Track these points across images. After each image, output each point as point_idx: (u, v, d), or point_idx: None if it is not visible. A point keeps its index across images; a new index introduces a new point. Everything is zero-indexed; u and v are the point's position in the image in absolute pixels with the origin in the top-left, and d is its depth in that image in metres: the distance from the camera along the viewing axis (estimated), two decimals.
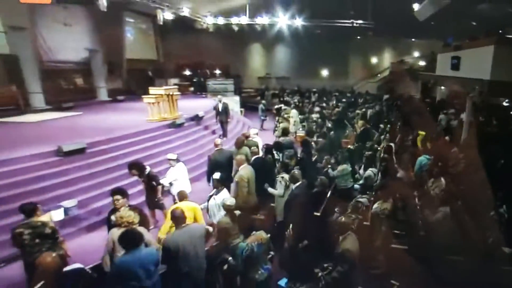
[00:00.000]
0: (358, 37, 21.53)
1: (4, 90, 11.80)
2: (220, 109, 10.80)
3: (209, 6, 18.82)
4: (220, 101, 10.96)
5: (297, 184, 5.04)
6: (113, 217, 3.98)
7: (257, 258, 3.67)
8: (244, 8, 18.94)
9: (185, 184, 5.91)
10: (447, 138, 7.72)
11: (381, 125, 9.79)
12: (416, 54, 21.74)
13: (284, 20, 19.82)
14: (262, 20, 19.85)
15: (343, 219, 3.89)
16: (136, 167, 5.51)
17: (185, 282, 3.68)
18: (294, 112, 11.56)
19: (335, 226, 3.90)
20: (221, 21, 19.98)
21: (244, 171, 5.51)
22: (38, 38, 13.94)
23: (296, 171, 5.17)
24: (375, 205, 5.06)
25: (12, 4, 12.30)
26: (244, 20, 19.68)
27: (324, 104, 13.85)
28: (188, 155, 8.94)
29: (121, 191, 4.38)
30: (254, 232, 3.87)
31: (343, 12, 18.03)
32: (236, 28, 20.21)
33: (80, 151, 7.18)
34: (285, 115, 11.72)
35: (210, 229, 4.26)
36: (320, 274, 3.49)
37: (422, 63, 19.47)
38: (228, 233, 4.24)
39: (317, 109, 11.83)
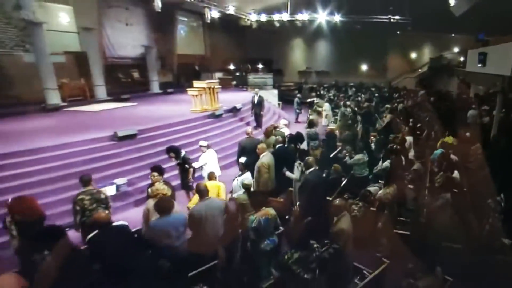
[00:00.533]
0: (398, 32, 20.79)
1: (75, 83, 13.28)
2: (255, 102, 11.12)
3: (253, 4, 19.31)
4: (256, 94, 11.28)
5: (311, 169, 5.41)
6: (149, 190, 4.67)
7: (263, 230, 4.11)
8: (285, 5, 19.12)
9: (215, 168, 6.44)
10: (467, 134, 7.56)
11: (411, 119, 9.67)
12: (456, 49, 20.58)
13: (323, 16, 19.76)
14: (303, 16, 19.92)
15: (337, 201, 4.20)
16: (173, 150, 6.13)
17: (205, 246, 4.24)
18: (326, 106, 11.70)
19: (330, 208, 4.22)
20: (263, 18, 20.35)
21: (265, 158, 5.96)
22: (104, 37, 15.34)
23: (310, 158, 5.53)
24: (380, 191, 5.28)
25: (85, 8, 13.67)
26: (285, 16, 19.86)
27: (359, 98, 13.75)
28: (223, 143, 9.56)
29: (157, 168, 5.04)
30: (263, 208, 4.30)
31: (382, 7, 17.61)
32: (277, 24, 20.42)
33: (132, 136, 8.06)
34: (318, 108, 11.89)
35: (230, 204, 4.77)
36: (315, 245, 3.84)
37: (462, 58, 18.44)
38: (245, 208, 4.75)
39: (348, 103, 11.85)
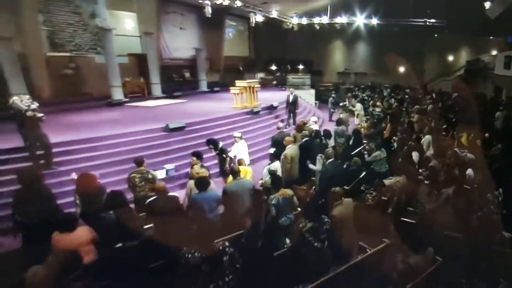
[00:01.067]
0: (435, 35, 20.06)
1: (136, 82, 14.65)
2: (290, 101, 11.46)
3: (295, 8, 19.65)
4: (291, 93, 11.61)
5: (330, 160, 5.91)
6: (190, 171, 5.48)
7: (281, 208, 4.69)
8: (325, 8, 19.32)
9: (244, 156, 7.08)
10: (486, 135, 7.54)
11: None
12: (494, 52, 19.36)
13: (361, 19, 19.74)
14: (341, 19, 20.02)
15: (336, 189, 4.66)
16: (211, 142, 6.86)
17: (235, 218, 4.95)
18: (358, 106, 11.91)
19: (330, 195, 4.69)
20: (304, 21, 20.63)
21: (289, 150, 6.48)
22: (161, 40, 16.55)
23: (329, 150, 6.03)
24: (391, 180, 5.61)
25: (147, 14, 14.99)
26: (325, 19, 20.05)
27: (392, 100, 13.68)
28: (259, 138, 10.17)
29: (196, 154, 5.83)
30: (282, 189, 4.93)
31: (419, 10, 17.21)
32: (317, 27, 20.63)
33: (181, 128, 8.98)
34: (351, 108, 12.12)
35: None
36: (326, 219, 4.35)
37: None
38: (269, 191, 5.40)
39: (378, 103, 11.94)
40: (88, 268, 3.34)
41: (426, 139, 7.40)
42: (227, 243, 3.51)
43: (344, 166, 6.52)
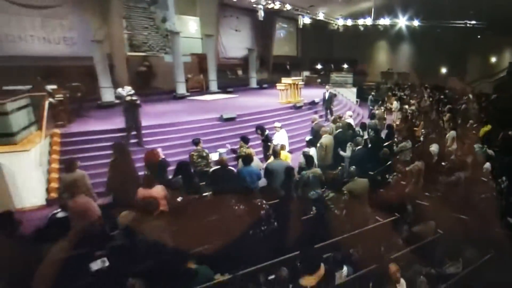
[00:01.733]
0: (478, 36, 19.12)
1: (196, 78, 16.12)
2: (326, 97, 11.97)
3: (340, 10, 19.94)
4: (327, 91, 12.05)
5: (359, 147, 6.71)
6: (238, 150, 6.61)
7: (311, 183, 5.50)
8: (369, 11, 19.33)
9: (284, 143, 7.96)
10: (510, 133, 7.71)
11: (471, 121, 9.77)
12: None
13: (403, 21, 19.57)
14: (384, 21, 19.95)
15: (352, 168, 5.46)
16: (260, 128, 7.78)
17: (273, 190, 5.94)
18: (395, 104, 12.25)
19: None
20: (349, 22, 20.81)
21: (324, 139, 7.18)
22: (219, 41, 17.89)
23: (359, 138, 6.79)
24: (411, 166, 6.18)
25: (208, 18, 16.38)
26: (368, 21, 20.10)
27: (430, 99, 13.64)
28: (300, 130, 10.99)
29: (243, 138, 6.89)
30: (312, 167, 5.83)
31: (461, 12, 16.64)
32: (362, 28, 20.71)
33: (232, 119, 10.14)
34: (389, 106, 12.47)
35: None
36: (345, 192, 5.19)
37: None
38: (303, 169, 6.30)
39: (412, 101, 12.17)
40: None
41: (451, 134, 7.76)
42: (264, 201, 4.58)
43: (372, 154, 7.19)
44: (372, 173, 6.53)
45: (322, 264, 2.82)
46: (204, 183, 5.85)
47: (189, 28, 16.96)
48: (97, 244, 3.86)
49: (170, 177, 5.80)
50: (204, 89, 16.02)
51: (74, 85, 9.78)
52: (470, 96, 12.50)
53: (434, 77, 20.37)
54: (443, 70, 21.62)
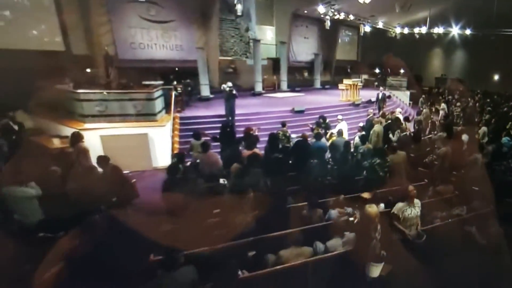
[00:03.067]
0: None
1: (270, 78, 17.50)
2: (379, 98, 12.42)
3: (398, 19, 19.61)
4: (381, 91, 12.51)
5: (404, 133, 7.56)
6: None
7: (366, 155, 6.52)
8: (425, 20, 18.88)
9: (345, 132, 8.89)
10: None
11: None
12: None
13: (456, 30, 18.81)
14: (438, 30, 19.28)
15: (392, 144, 6.35)
16: (322, 117, 8.89)
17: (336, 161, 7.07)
18: (443, 105, 12.30)
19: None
20: (406, 30, 20.35)
21: (376, 127, 8.15)
22: (290, 47, 19.03)
23: (403, 127, 7.65)
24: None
25: (282, 27, 17.65)
26: (424, 29, 19.51)
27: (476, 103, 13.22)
28: (356, 124, 11.71)
29: (317, 123, 8.14)
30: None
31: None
32: (417, 36, 20.20)
33: (302, 111, 11.40)
34: (437, 107, 12.53)
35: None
36: (388, 158, 6.13)
37: None
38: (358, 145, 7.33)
39: (458, 104, 12.08)
40: None
41: (482, 129, 8.04)
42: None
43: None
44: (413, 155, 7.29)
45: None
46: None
47: (267, 36, 18.37)
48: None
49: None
50: (276, 88, 17.39)
51: (186, 82, 11.88)
52: None
53: (486, 84, 19.06)
54: (496, 77, 20.00)
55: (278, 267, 3.53)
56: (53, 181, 4.81)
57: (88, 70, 11.23)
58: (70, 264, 3.23)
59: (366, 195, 5.01)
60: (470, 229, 4.53)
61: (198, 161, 6.14)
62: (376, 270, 3.57)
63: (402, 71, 19.40)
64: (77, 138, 5.99)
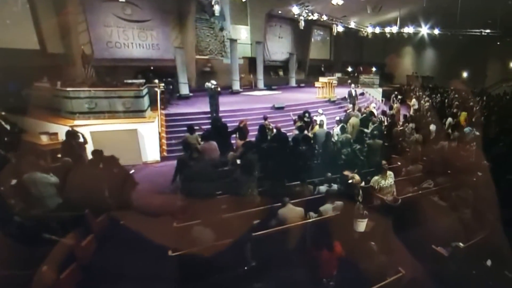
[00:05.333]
0: (498, 43, 19.91)
1: (247, 77, 18.46)
2: (352, 94, 13.48)
3: (369, 19, 21.47)
4: (352, 89, 13.66)
5: (375, 125, 8.88)
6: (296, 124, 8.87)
7: (344, 143, 7.71)
8: (395, 20, 20.77)
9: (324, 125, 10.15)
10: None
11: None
12: None
13: (425, 30, 20.96)
14: (408, 29, 21.30)
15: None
16: (307, 112, 9.84)
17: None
18: (414, 101, 14.00)
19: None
20: (377, 30, 22.20)
21: (352, 120, 9.39)
22: (265, 47, 20.11)
23: (375, 119, 9.07)
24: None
25: (257, 27, 18.61)
26: (394, 29, 21.47)
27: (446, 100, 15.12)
28: (333, 119, 12.99)
29: (299, 116, 9.17)
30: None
31: (479, 21, 17.79)
32: (388, 36, 22.11)
33: (282, 108, 12.40)
34: (408, 102, 14.20)
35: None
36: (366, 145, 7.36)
37: None
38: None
39: (427, 99, 13.88)
40: None
41: (448, 120, 9.55)
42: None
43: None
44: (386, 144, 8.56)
45: None
46: None
47: (241, 35, 19.27)
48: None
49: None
50: (253, 87, 18.33)
51: (168, 80, 12.47)
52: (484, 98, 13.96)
53: (456, 81, 21.36)
54: (464, 74, 22.43)
55: (281, 227, 4.43)
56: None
57: (65, 69, 11.43)
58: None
59: (347, 172, 6.00)
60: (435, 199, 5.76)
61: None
62: (361, 225, 4.58)
63: (373, 69, 21.14)
64: (73, 136, 6.47)
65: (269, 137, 8.35)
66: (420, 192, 5.89)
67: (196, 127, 8.39)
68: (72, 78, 10.77)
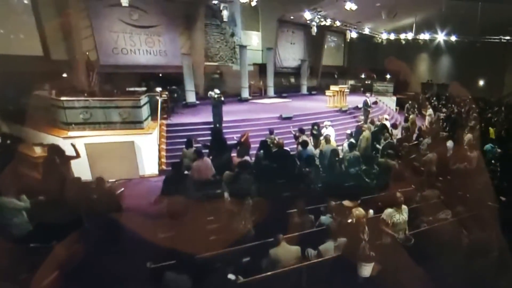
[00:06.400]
0: None
1: (257, 84, 17.85)
2: (368, 104, 12.63)
3: (384, 25, 20.62)
4: (368, 98, 12.88)
5: (387, 141, 8.10)
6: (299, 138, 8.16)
7: (352, 162, 6.97)
8: (411, 26, 19.86)
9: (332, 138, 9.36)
10: None
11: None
12: None
13: (441, 36, 19.98)
14: (424, 36, 20.33)
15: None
16: (316, 125, 9.17)
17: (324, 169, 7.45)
18: (430, 111, 13.05)
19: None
20: (392, 36, 21.36)
21: (365, 133, 8.61)
22: (276, 53, 19.42)
23: (387, 134, 8.31)
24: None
25: (268, 33, 18.04)
26: (410, 36, 20.54)
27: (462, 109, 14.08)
28: (343, 130, 12.15)
29: (300, 129, 8.51)
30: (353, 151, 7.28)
31: (498, 28, 16.64)
32: (403, 42, 21.19)
33: (290, 118, 11.72)
34: (423, 112, 13.25)
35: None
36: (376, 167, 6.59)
37: None
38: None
39: (444, 109, 12.86)
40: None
41: (468, 137, 8.64)
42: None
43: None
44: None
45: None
46: None
47: (253, 41, 18.74)
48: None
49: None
50: (262, 94, 17.74)
51: (173, 88, 12.04)
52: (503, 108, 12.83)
53: (472, 89, 20.19)
54: (481, 82, 21.22)
55: (272, 272, 3.77)
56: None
57: (69, 76, 11.18)
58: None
59: (347, 203, 5.09)
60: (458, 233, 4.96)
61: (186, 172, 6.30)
62: (367, 270, 3.88)
63: (388, 76, 20.19)
64: (56, 151, 6.01)
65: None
66: (436, 224, 5.12)
67: (198, 139, 7.92)
68: (75, 85, 10.54)
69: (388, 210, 4.59)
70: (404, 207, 4.65)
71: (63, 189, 4.89)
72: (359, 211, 4.09)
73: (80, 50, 11.28)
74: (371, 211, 5.20)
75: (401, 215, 4.58)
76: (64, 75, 11.10)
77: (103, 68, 11.85)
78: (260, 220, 4.85)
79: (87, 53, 11.16)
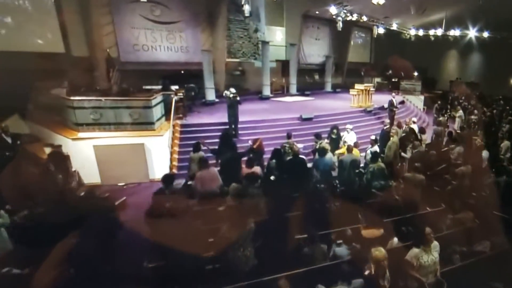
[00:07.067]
0: None
1: (279, 82, 16.89)
2: (394, 104, 11.53)
3: (413, 21, 19.04)
4: (393, 97, 11.70)
5: (416, 150, 6.93)
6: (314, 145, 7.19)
7: (376, 174, 5.93)
8: (441, 22, 18.03)
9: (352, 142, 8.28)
10: None
11: None
12: None
13: (473, 33, 18.03)
14: (455, 32, 18.44)
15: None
16: (336, 128, 8.32)
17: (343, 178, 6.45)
18: (460, 112, 11.50)
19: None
20: (421, 32, 19.65)
21: (393, 139, 7.44)
22: (300, 49, 18.27)
23: (416, 143, 7.29)
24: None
25: (293, 28, 16.91)
26: (439, 32, 18.66)
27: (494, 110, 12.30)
28: (369, 132, 10.95)
29: (317, 135, 7.60)
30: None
31: None
32: (432, 38, 19.38)
33: (310, 119, 10.75)
34: (453, 114, 11.74)
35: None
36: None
37: None
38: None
39: (475, 111, 11.25)
40: None
41: (505, 144, 7.25)
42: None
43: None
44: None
45: None
46: None
47: (276, 37, 17.68)
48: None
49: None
50: (284, 92, 16.74)
51: (190, 86, 11.39)
52: None
53: (504, 88, 17.98)
54: None
55: None
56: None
57: (89, 73, 10.84)
58: None
59: (367, 233, 4.26)
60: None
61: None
62: None
63: (415, 74, 18.47)
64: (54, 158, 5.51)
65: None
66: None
67: (205, 141, 7.17)
68: (92, 83, 10.19)
69: (414, 251, 3.58)
70: (434, 244, 3.63)
71: (52, 201, 4.32)
72: (379, 251, 3.14)
73: (101, 46, 10.88)
74: (395, 240, 4.24)
75: (430, 255, 3.56)
76: (84, 72, 10.73)
77: (123, 65, 11.39)
78: (263, 246, 4.08)
79: (108, 49, 10.71)
